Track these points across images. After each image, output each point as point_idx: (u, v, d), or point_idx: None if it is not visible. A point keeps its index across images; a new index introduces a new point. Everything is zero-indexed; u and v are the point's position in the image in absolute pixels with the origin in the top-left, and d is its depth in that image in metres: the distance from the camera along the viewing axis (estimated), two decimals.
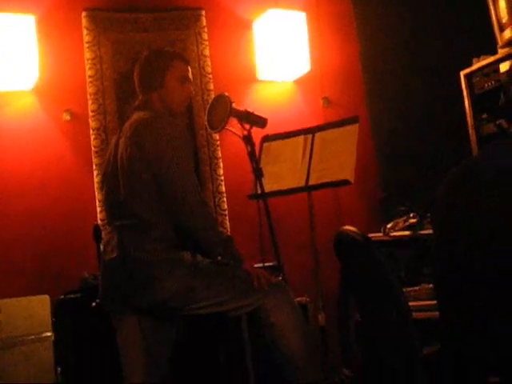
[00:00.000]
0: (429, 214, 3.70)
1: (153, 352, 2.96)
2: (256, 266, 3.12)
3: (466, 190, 1.92)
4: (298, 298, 3.21)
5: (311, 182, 3.74)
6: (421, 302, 3.39)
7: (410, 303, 3.29)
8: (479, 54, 3.91)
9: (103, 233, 3.71)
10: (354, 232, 1.91)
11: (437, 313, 2.05)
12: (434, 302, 2.14)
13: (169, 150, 2.88)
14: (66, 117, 4.47)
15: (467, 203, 1.90)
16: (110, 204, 3.12)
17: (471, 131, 3.85)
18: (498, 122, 3.35)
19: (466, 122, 3.90)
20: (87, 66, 4.53)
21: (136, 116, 3.05)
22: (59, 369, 3.73)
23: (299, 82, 5.07)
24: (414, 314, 2.69)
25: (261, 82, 5.01)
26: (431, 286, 3.43)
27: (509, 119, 2.13)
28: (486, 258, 1.80)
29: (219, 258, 2.98)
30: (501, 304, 1.78)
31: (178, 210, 2.87)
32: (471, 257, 1.84)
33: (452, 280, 1.95)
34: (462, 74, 3.98)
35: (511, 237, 1.75)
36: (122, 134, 3.04)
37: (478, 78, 3.85)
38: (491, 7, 3.77)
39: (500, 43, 3.77)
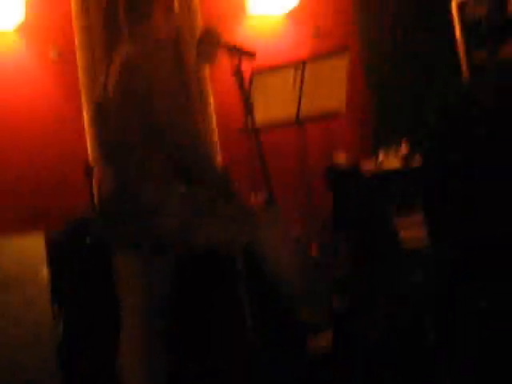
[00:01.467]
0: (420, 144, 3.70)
1: (151, 283, 2.97)
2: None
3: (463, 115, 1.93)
4: (291, 231, 3.21)
5: (302, 114, 3.73)
6: (412, 231, 3.41)
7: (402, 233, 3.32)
8: None
9: (96, 170, 3.71)
10: (344, 161, 1.90)
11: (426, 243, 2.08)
12: (425, 232, 2.16)
13: (159, 87, 2.85)
14: (53, 54, 4.41)
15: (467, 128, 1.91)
16: (102, 141, 3.10)
17: (462, 57, 3.82)
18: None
19: (456, 49, 3.87)
20: (72, 1, 4.45)
21: (123, 50, 3.00)
22: (56, 306, 3.75)
23: (290, 14, 5.02)
24: (404, 243, 2.72)
25: (251, 15, 4.95)
26: (422, 216, 3.45)
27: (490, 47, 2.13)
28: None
29: (214, 191, 2.99)
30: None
31: (172, 147, 2.86)
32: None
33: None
34: (454, 3, 3.95)
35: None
36: (111, 70, 3.00)
37: (469, 7, 3.81)
38: None
39: None
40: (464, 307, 1.92)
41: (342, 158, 1.79)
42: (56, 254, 3.77)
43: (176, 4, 3.15)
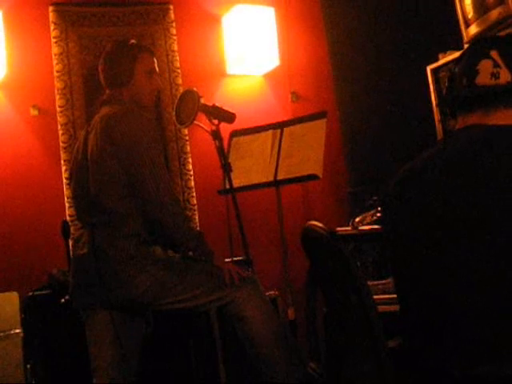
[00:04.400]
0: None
1: (123, 346, 2.95)
2: (225, 260, 3.13)
3: (416, 185, 1.97)
4: (268, 293, 3.22)
5: (280, 177, 3.77)
6: (389, 295, 3.42)
7: (379, 296, 3.33)
8: (445, 50, 3.94)
9: (72, 228, 3.70)
10: (319, 227, 1.92)
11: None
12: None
13: (141, 145, 2.87)
14: (34, 112, 4.44)
15: (418, 196, 1.94)
16: (79, 200, 3.10)
17: (438, 125, 3.88)
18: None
19: (432, 116, 3.93)
20: (55, 61, 4.50)
21: (105, 111, 3.03)
22: (28, 366, 3.71)
23: (268, 76, 5.07)
24: (382, 307, 2.72)
25: (230, 76, 5.00)
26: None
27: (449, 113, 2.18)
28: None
29: (190, 253, 2.99)
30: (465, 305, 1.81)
31: (150, 207, 2.87)
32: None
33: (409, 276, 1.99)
34: (429, 68, 4.01)
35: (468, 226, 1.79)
36: (92, 128, 3.01)
37: (443, 73, 3.88)
38: (457, 3, 3.79)
39: (466, 39, 3.80)
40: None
41: (317, 226, 1.83)
42: (30, 313, 3.74)
43: (156, 66, 3.19)
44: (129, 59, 3.07)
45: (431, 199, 1.89)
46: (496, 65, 1.96)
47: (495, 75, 1.95)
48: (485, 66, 1.98)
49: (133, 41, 3.17)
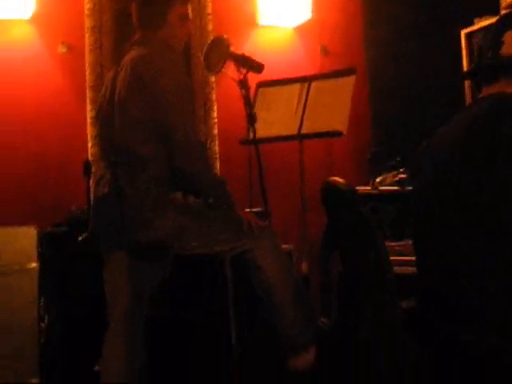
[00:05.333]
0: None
1: (137, 290, 2.97)
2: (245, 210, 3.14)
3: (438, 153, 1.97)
4: (283, 246, 3.23)
5: (304, 131, 3.75)
6: (405, 257, 3.42)
7: (394, 258, 3.31)
8: (481, 15, 3.88)
9: (94, 168, 3.71)
10: (340, 183, 1.92)
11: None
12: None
13: (170, 89, 2.86)
14: (62, 49, 4.43)
15: (438, 165, 1.94)
16: (104, 139, 3.09)
17: (468, 92, 3.84)
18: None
19: (463, 81, 3.89)
20: None
21: (136, 52, 3.00)
22: (42, 301, 3.76)
23: (299, 29, 5.03)
24: (397, 268, 2.73)
25: (261, 26, 4.96)
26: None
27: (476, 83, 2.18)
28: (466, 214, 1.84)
29: (211, 200, 3.00)
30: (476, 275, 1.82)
31: (177, 151, 2.86)
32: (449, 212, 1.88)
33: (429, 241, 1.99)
34: (463, 33, 3.96)
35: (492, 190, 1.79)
36: (121, 68, 2.99)
37: (477, 39, 3.83)
38: None
39: (503, 4, 3.75)
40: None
41: (338, 181, 1.83)
42: (47, 249, 3.78)
43: (190, 12, 3.17)
44: (164, 2, 3.05)
45: (448, 170, 1.89)
46: None
47: None
48: (510, 37, 1.97)
49: None
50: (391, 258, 2.09)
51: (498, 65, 1.98)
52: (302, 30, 5.03)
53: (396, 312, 1.77)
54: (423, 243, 2.03)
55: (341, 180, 1.94)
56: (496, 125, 1.85)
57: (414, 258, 2.17)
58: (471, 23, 3.92)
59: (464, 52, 3.92)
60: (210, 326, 3.76)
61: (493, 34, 2.03)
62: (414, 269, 2.15)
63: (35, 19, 4.38)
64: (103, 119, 3.09)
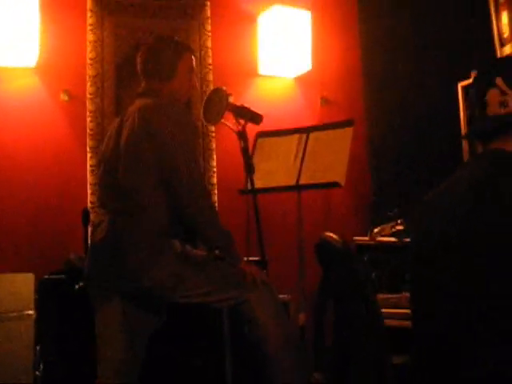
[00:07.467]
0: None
1: (132, 335, 2.96)
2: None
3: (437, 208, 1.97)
4: (280, 296, 3.23)
5: (302, 182, 3.78)
6: (400, 309, 3.41)
7: (389, 310, 3.32)
8: (478, 67, 3.92)
9: (92, 216, 3.73)
10: (333, 239, 1.93)
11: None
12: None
13: (178, 139, 2.88)
14: (64, 97, 4.48)
15: (437, 220, 1.94)
16: (105, 187, 3.09)
17: (465, 143, 3.87)
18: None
19: (460, 132, 3.92)
20: (89, 49, 4.54)
21: (142, 102, 3.02)
22: (38, 348, 3.74)
23: (299, 79, 5.08)
24: (392, 321, 2.72)
25: (261, 76, 5.01)
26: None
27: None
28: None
29: (217, 252, 3.00)
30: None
31: (183, 202, 2.86)
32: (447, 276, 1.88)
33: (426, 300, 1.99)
34: (460, 85, 4.00)
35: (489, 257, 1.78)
36: (128, 117, 3.00)
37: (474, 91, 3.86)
38: (493, 21, 3.79)
39: (500, 56, 3.80)
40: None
41: (332, 237, 1.84)
42: (44, 295, 3.77)
43: (195, 65, 3.20)
44: (174, 55, 3.08)
45: (448, 223, 1.90)
46: (503, 92, 1.98)
47: (504, 104, 1.98)
48: (492, 96, 2.00)
49: (176, 38, 3.20)
50: (386, 310, 2.10)
51: (488, 129, 2.01)
52: (302, 81, 5.08)
53: (384, 368, 1.76)
54: (419, 304, 2.02)
55: (334, 236, 1.95)
56: (497, 184, 1.86)
57: (409, 311, 2.16)
58: (468, 76, 3.97)
59: (461, 105, 3.96)
60: (205, 369, 3.74)
61: (476, 93, 2.07)
62: (409, 322, 2.14)
63: (38, 68, 4.44)
64: (106, 166, 3.08)
